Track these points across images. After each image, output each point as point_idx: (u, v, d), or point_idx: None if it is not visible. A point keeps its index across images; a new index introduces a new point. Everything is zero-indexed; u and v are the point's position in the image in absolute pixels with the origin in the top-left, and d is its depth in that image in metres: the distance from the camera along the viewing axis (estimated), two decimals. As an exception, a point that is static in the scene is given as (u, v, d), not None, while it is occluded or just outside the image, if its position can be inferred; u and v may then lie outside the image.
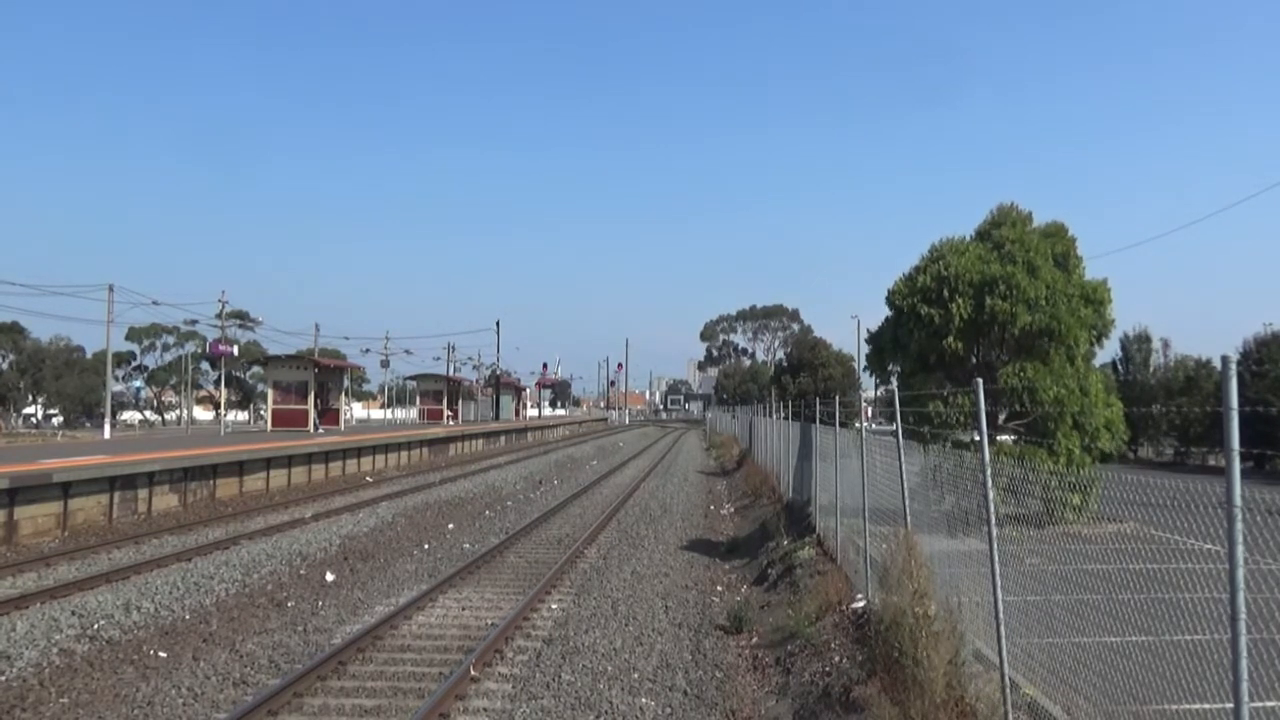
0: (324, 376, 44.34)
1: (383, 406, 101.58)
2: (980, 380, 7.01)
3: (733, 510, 25.69)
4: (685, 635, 11.64)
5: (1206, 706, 4.71)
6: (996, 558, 6.40)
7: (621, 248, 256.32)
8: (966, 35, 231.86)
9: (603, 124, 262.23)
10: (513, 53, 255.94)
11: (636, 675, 9.77)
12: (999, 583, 6.40)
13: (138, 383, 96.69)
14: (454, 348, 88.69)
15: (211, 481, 24.34)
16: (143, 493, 21.37)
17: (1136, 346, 43.84)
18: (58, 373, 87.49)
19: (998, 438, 16.60)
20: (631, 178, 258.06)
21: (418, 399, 71.09)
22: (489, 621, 11.89)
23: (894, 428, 9.33)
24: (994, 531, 6.44)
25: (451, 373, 79.92)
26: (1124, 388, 39.47)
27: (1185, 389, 39.17)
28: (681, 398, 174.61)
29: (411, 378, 75.00)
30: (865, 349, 21.66)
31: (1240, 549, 3.75)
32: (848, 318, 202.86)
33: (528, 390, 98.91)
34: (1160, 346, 43.72)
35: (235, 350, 65.55)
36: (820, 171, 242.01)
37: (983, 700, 6.56)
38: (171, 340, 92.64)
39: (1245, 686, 3.83)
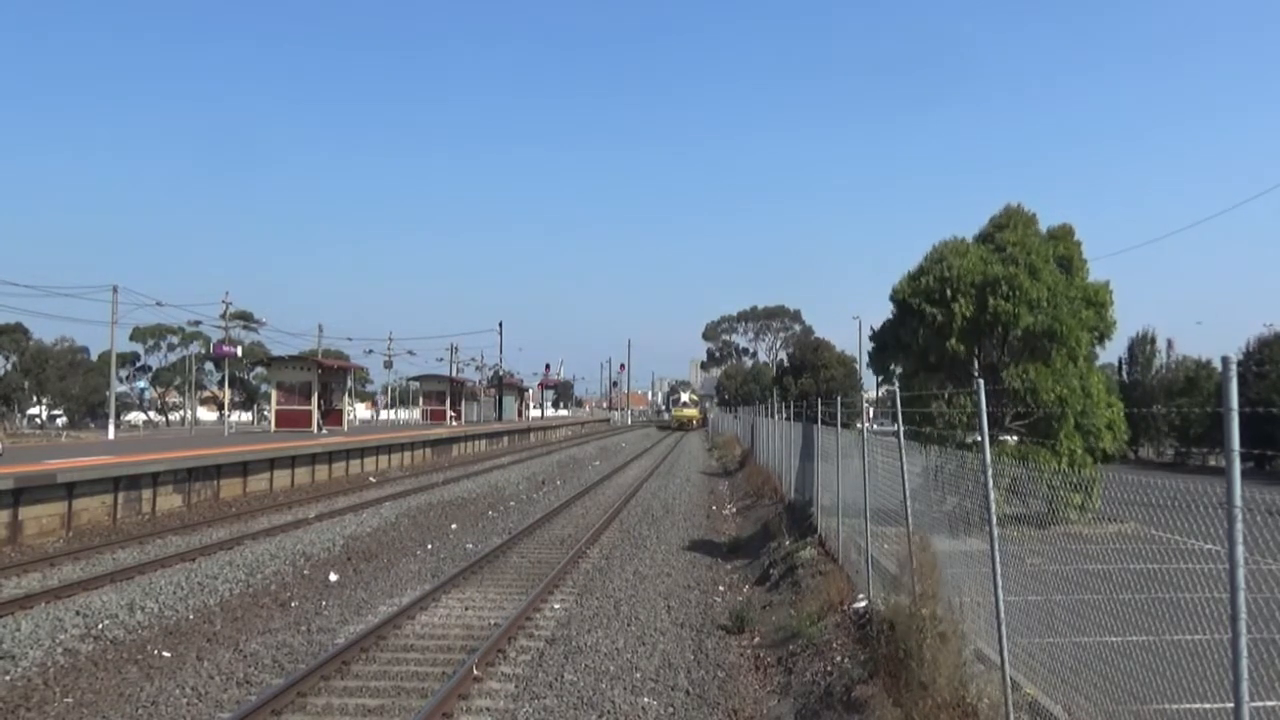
0: (327, 377, 44.39)
1: (385, 407, 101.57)
2: (981, 381, 7.03)
3: (734, 510, 25.69)
4: (687, 635, 11.66)
5: (1207, 706, 4.73)
6: (998, 558, 6.41)
7: (624, 248, 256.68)
8: (969, 36, 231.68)
9: (605, 125, 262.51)
10: (515, 54, 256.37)
11: (639, 675, 9.79)
12: (1000, 583, 6.41)
13: (142, 383, 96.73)
14: (457, 349, 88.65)
15: (215, 482, 24.39)
16: (147, 493, 21.42)
17: (1141, 348, 43.79)
18: (62, 374, 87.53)
19: (1001, 438, 16.61)
20: (633, 178, 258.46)
21: (421, 400, 71.13)
22: (492, 621, 11.92)
23: (895, 428, 9.34)
24: (995, 532, 6.45)
25: (454, 373, 79.89)
26: (1126, 389, 39.45)
27: (1185, 389, 39.13)
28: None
29: (415, 378, 74.98)
30: (868, 346, 21.67)
31: (1240, 549, 3.77)
32: (850, 318, 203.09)
33: (530, 391, 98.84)
34: (1165, 347, 43.69)
35: (239, 351, 65.69)
36: (823, 172, 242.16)
37: (984, 700, 6.57)
38: (175, 341, 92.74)
39: (1245, 686, 3.84)
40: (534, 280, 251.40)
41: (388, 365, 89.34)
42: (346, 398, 49.53)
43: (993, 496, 6.51)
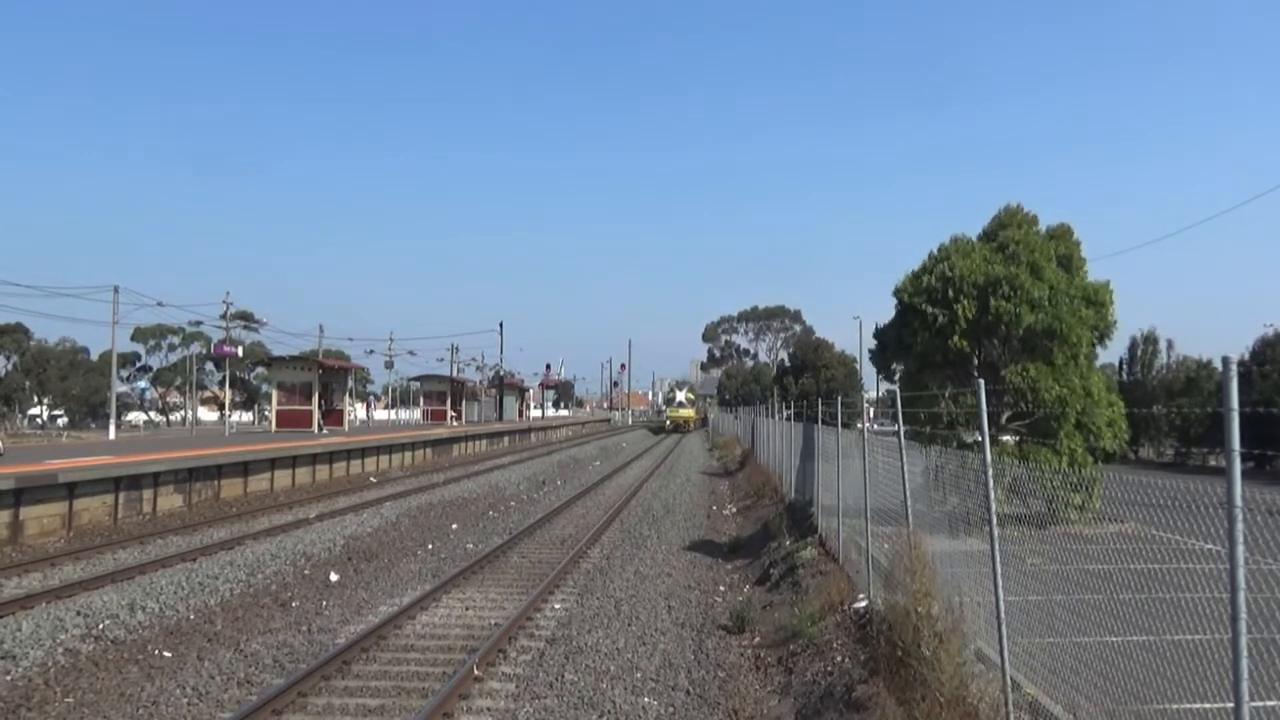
0: (328, 377, 44.43)
1: (385, 407, 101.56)
2: (982, 381, 7.03)
3: (735, 510, 25.70)
4: (688, 635, 11.66)
5: (1207, 706, 4.73)
6: (998, 558, 6.42)
7: (624, 249, 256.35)
8: (969, 36, 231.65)
9: (605, 126, 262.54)
10: (516, 55, 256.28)
11: (639, 675, 9.79)
12: (1000, 582, 6.41)
13: (142, 384, 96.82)
14: (457, 349, 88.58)
15: (216, 482, 24.40)
16: (148, 493, 21.43)
17: (1143, 348, 43.77)
18: (63, 374, 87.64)
19: (1001, 438, 16.60)
20: (634, 179, 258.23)
21: (421, 400, 71.18)
22: (492, 621, 11.92)
23: (895, 428, 9.35)
24: (995, 532, 6.46)
25: (455, 374, 79.93)
26: (1127, 388, 39.43)
27: (1186, 389, 39.12)
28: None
29: (415, 379, 75.09)
30: (871, 345, 21.69)
31: (1241, 549, 3.77)
32: (850, 318, 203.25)
33: (531, 391, 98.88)
34: (1165, 347, 43.64)
35: (240, 351, 65.73)
36: (823, 172, 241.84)
37: (985, 700, 6.57)
38: (176, 341, 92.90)
39: (1245, 686, 3.85)
40: (535, 281, 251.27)
41: (388, 365, 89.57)
42: (348, 398, 49.54)
43: (993, 496, 6.52)
